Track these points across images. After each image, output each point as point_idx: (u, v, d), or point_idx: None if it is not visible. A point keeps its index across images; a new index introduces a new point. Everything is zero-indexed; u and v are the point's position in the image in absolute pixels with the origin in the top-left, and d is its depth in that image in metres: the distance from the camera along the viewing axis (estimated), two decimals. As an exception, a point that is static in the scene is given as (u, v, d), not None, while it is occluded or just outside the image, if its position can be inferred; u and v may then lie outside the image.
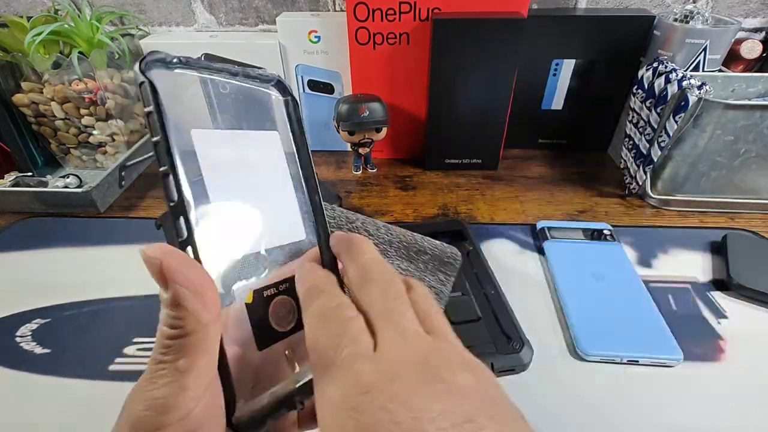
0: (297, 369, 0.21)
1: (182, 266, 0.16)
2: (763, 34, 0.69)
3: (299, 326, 0.21)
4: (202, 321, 0.16)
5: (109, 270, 0.51)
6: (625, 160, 0.62)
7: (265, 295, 0.21)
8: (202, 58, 0.69)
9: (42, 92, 0.62)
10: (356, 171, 0.68)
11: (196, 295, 0.16)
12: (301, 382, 0.20)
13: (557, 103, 0.70)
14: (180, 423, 0.15)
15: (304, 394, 0.20)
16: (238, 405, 0.18)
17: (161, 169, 0.17)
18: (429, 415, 0.14)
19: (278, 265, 0.22)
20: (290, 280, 0.22)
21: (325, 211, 0.23)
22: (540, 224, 0.54)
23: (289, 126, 0.23)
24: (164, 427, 0.15)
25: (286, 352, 0.21)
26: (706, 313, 0.44)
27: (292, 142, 0.23)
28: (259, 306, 0.21)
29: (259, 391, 0.19)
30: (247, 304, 0.20)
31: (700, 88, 0.50)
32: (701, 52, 0.59)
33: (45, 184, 0.63)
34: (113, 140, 0.67)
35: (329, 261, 0.23)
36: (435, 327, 0.18)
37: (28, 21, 0.61)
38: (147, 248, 0.16)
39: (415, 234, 0.40)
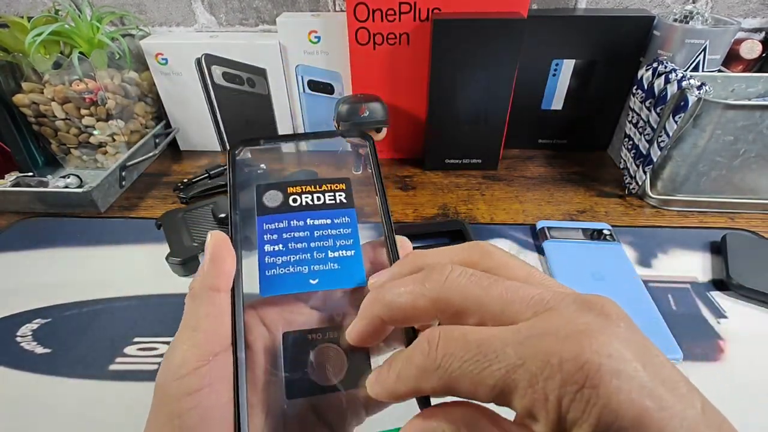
0: None
1: (219, 244, 0.20)
2: (763, 34, 0.69)
3: (345, 384, 0.20)
4: (212, 286, 0.19)
5: (110, 270, 0.51)
6: (624, 160, 0.62)
7: (309, 338, 0.20)
8: (203, 58, 0.69)
9: (42, 92, 0.62)
10: (356, 171, 0.68)
11: (215, 264, 0.19)
12: None
13: (557, 103, 0.70)
14: (187, 378, 0.17)
15: None
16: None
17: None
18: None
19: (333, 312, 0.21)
20: (344, 328, 0.20)
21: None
22: (540, 224, 0.54)
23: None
24: (175, 380, 0.17)
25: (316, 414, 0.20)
26: (706, 313, 0.44)
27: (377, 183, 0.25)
28: (298, 348, 0.20)
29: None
30: (284, 342, 0.20)
31: (699, 88, 0.51)
32: (701, 53, 0.59)
33: (45, 184, 0.63)
34: (113, 140, 0.67)
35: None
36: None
37: (29, 21, 0.61)
38: (211, 232, 0.20)
39: None
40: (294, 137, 0.23)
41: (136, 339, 0.43)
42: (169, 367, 0.18)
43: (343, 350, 0.20)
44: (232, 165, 0.22)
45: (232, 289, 0.20)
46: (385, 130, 0.63)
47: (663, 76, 0.53)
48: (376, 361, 0.21)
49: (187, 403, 0.17)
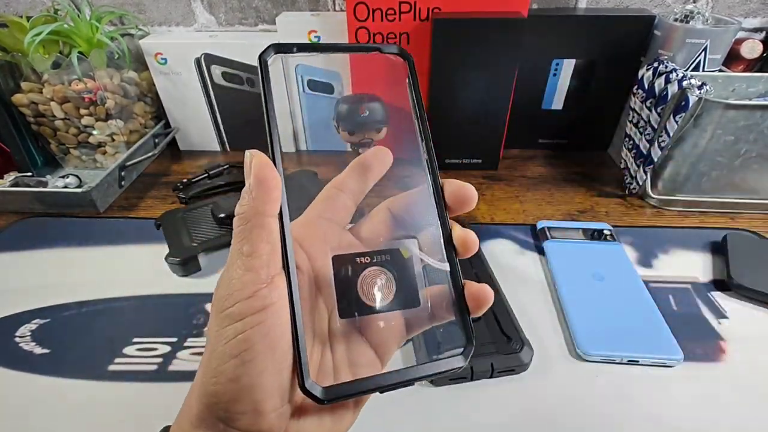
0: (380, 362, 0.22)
1: (264, 166, 0.20)
2: (764, 33, 0.69)
3: (393, 306, 0.21)
4: (262, 212, 0.19)
5: (109, 270, 0.51)
6: (625, 160, 0.62)
7: (359, 261, 0.21)
8: (202, 58, 0.69)
9: (41, 92, 0.62)
10: (356, 171, 0.68)
11: (263, 188, 0.19)
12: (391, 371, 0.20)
13: (557, 103, 0.70)
14: (250, 300, 0.18)
15: (392, 386, 0.19)
16: (309, 367, 0.19)
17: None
18: None
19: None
20: (391, 253, 0.22)
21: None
22: (540, 224, 0.54)
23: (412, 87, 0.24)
24: (237, 302, 0.18)
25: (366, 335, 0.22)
26: (707, 314, 0.44)
27: (415, 103, 0.24)
28: (348, 270, 0.21)
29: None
30: (334, 264, 0.21)
31: (700, 87, 0.50)
32: (701, 52, 0.59)
33: (44, 184, 0.62)
34: (113, 140, 0.67)
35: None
36: None
37: (28, 21, 0.61)
38: (251, 151, 0.20)
39: None
40: (328, 48, 0.25)
41: (136, 339, 0.42)
42: (229, 292, 0.19)
43: (391, 273, 0.21)
44: (264, 73, 0.21)
45: (280, 213, 0.20)
46: (385, 130, 0.63)
47: (663, 76, 0.53)
48: (422, 282, 0.22)
49: (251, 321, 0.18)
